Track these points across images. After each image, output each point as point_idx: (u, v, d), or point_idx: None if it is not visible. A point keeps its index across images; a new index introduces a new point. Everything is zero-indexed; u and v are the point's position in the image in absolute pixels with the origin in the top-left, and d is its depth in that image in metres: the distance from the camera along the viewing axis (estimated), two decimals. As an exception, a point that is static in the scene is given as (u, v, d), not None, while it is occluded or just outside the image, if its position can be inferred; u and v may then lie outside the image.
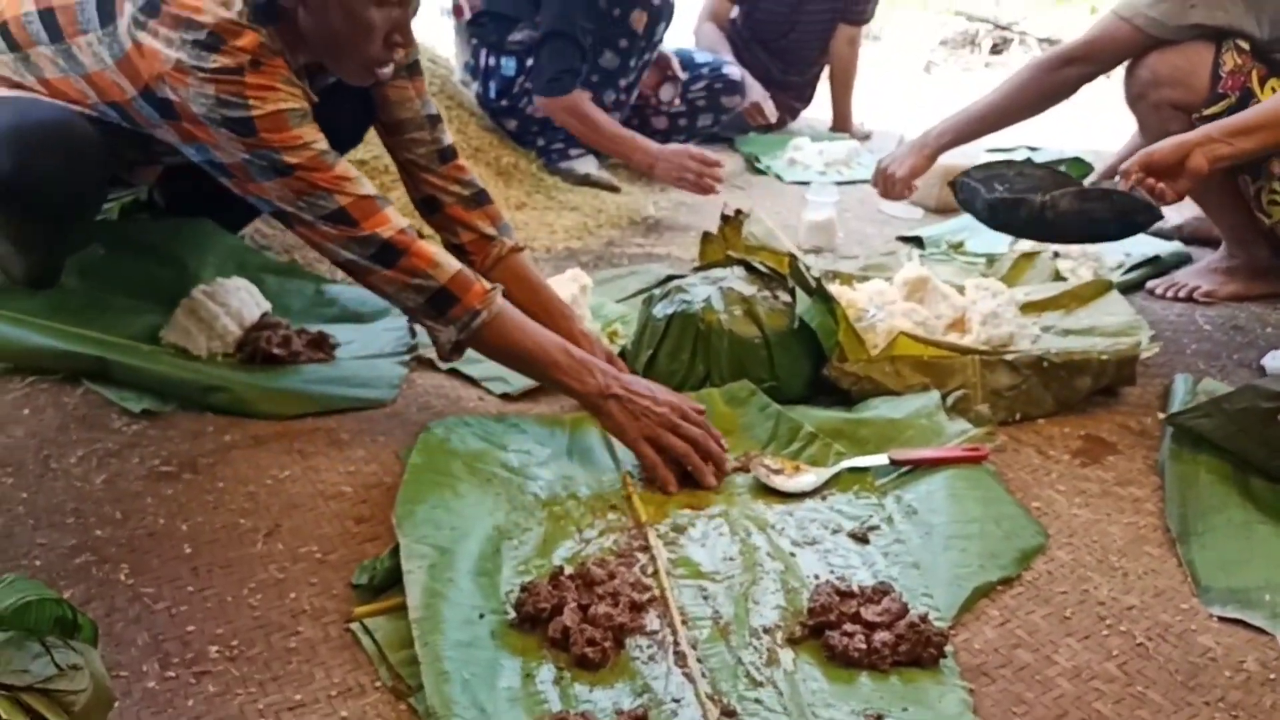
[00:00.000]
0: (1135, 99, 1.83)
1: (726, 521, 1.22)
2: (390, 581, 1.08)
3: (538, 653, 0.99)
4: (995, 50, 5.31)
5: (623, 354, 1.65)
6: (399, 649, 0.99)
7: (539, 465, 1.32)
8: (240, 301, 1.67)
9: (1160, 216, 1.68)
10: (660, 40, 2.72)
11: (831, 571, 1.13)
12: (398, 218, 1.33)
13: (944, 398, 1.48)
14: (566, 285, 1.77)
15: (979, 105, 2.08)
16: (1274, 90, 1.72)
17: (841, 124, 3.61)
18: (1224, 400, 1.34)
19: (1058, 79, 1.93)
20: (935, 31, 5.48)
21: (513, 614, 1.03)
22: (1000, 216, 1.72)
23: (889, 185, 2.21)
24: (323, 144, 1.31)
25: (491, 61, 2.76)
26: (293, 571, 1.14)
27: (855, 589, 1.06)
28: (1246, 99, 1.71)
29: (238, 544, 1.19)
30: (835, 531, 1.21)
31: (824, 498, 1.28)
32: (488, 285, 1.34)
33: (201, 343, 1.62)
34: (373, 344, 1.72)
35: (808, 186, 2.52)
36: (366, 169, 2.20)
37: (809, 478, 1.29)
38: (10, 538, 1.18)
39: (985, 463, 1.35)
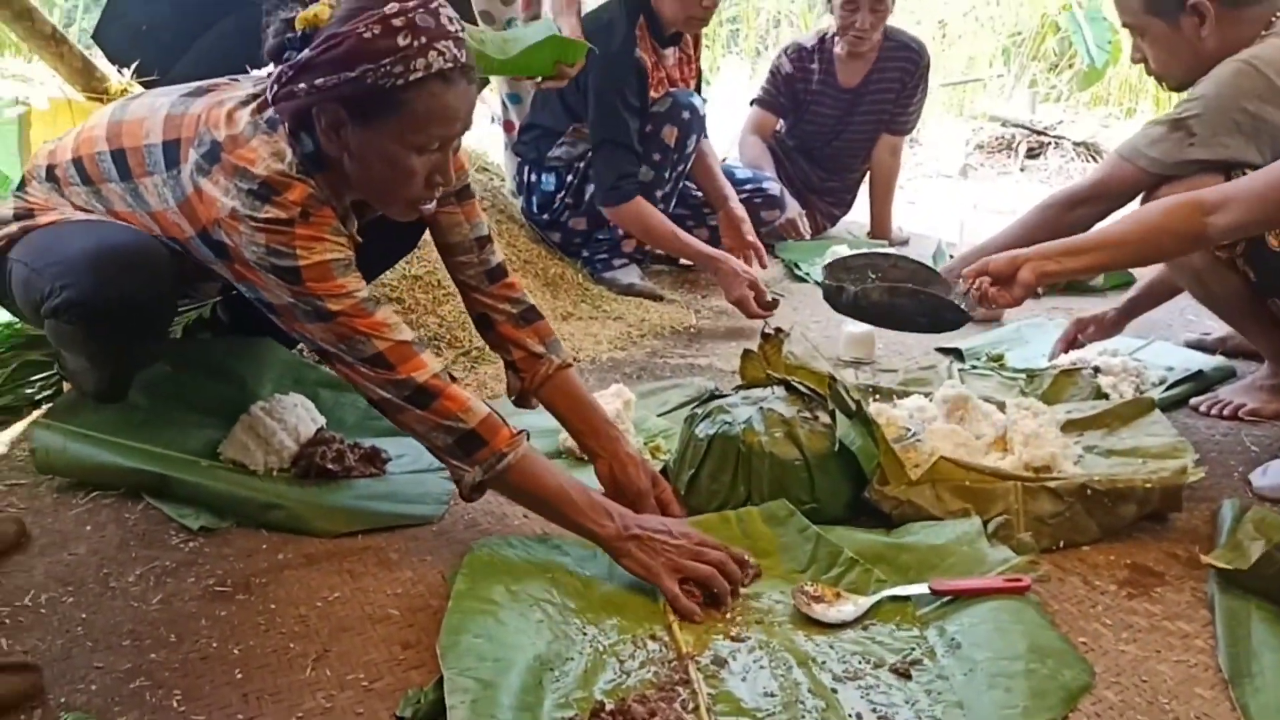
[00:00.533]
0: None
1: (767, 654, 1.21)
2: (435, 713, 1.10)
3: None
4: (1031, 154, 5.38)
5: (664, 471, 1.68)
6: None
7: (582, 588, 1.34)
8: (297, 417, 1.72)
9: (969, 318, 1.84)
10: (693, 153, 2.80)
11: (874, 711, 1.12)
12: (434, 362, 1.38)
13: (985, 524, 1.48)
14: (610, 401, 1.81)
15: (993, 246, 2.14)
16: None
17: (880, 230, 3.66)
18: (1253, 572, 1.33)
19: (1070, 219, 2.00)
20: (971, 136, 5.57)
21: None
22: (830, 298, 1.93)
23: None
24: (364, 292, 1.37)
25: (533, 178, 2.87)
26: (340, 700, 1.16)
27: None
28: None
29: (287, 669, 1.21)
30: (877, 666, 1.20)
31: (865, 628, 1.28)
32: (514, 430, 1.38)
33: (259, 458, 1.67)
34: (422, 459, 1.75)
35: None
36: (421, 283, 2.28)
37: (849, 607, 1.29)
38: (69, 660, 1.21)
39: (1029, 593, 1.35)
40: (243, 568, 1.42)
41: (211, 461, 1.66)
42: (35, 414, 1.84)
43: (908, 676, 1.18)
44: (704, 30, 2.97)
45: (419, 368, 1.36)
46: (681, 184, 2.85)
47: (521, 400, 1.66)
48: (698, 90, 2.93)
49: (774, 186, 3.12)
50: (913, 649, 1.23)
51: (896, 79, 3.50)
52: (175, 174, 1.47)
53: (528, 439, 1.39)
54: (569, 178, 2.80)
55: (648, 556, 1.32)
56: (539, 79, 2.59)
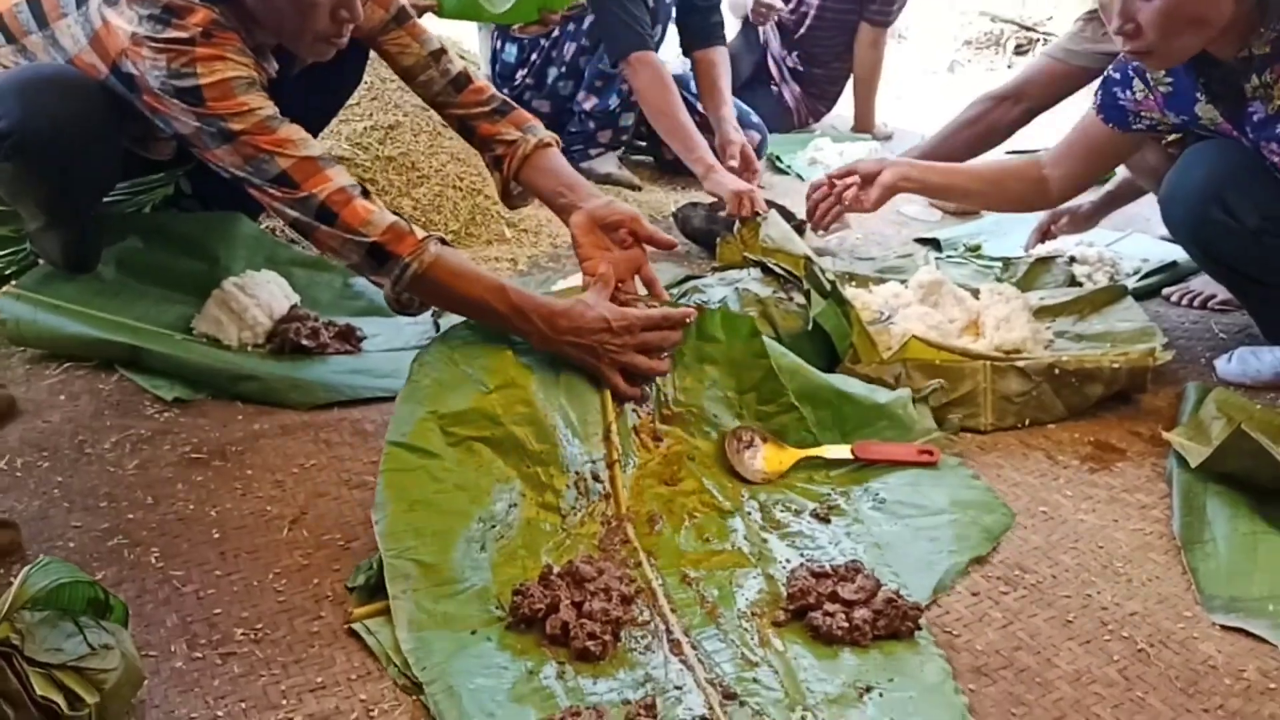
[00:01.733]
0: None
1: (700, 505, 1.25)
2: (383, 581, 1.07)
3: (537, 651, 1.01)
4: (1020, 50, 5.28)
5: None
6: (400, 649, 1.00)
7: (523, 406, 1.26)
8: (270, 294, 1.71)
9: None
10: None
11: (800, 553, 1.18)
12: (340, 177, 1.33)
13: (917, 392, 1.51)
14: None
15: (940, 148, 2.21)
16: None
17: (864, 124, 3.62)
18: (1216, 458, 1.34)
19: (992, 117, 2.07)
20: (960, 31, 5.46)
21: (507, 617, 1.05)
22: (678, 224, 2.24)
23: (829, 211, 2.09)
24: (267, 110, 1.33)
25: (498, 44, 2.80)
26: (317, 558, 1.18)
27: (829, 569, 1.11)
28: None
29: (264, 530, 1.23)
30: (798, 513, 1.26)
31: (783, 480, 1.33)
32: (420, 236, 1.33)
33: (232, 333, 1.66)
34: (397, 337, 1.76)
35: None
36: (394, 164, 2.25)
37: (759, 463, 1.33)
38: (46, 520, 1.23)
39: (955, 458, 1.42)
40: (218, 436, 1.43)
41: (185, 335, 1.65)
42: (4, 289, 1.81)
43: (827, 521, 1.25)
44: None
45: (322, 183, 1.32)
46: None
47: (506, 196, 1.62)
48: None
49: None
50: (829, 494, 1.30)
51: None
52: (84, 10, 1.45)
53: (441, 243, 1.33)
54: (532, 55, 2.73)
55: (579, 353, 1.30)
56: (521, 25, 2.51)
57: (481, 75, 2.90)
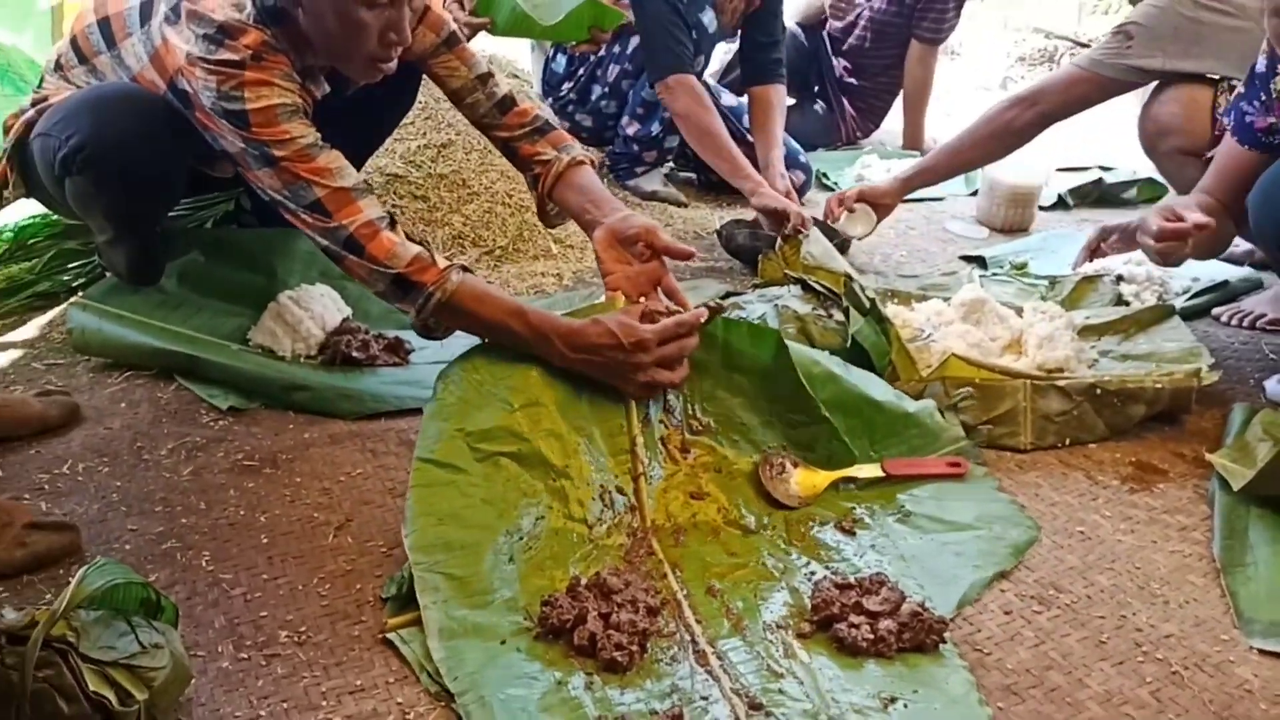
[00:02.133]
0: (1149, 150, 1.88)
1: (726, 519, 1.27)
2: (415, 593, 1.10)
3: (565, 662, 1.03)
4: (1075, 67, 5.23)
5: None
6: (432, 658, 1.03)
7: (548, 423, 1.28)
8: (323, 307, 1.77)
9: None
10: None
11: (826, 567, 1.19)
12: (370, 209, 1.38)
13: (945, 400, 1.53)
14: (629, 299, 1.83)
15: (954, 147, 2.19)
16: None
17: (913, 142, 3.60)
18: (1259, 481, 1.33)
19: (1006, 118, 2.03)
20: (1013, 48, 5.41)
21: (535, 628, 1.07)
22: (721, 242, 2.33)
23: (844, 207, 2.27)
24: (309, 138, 1.39)
25: (550, 53, 2.85)
26: (360, 564, 1.22)
27: (853, 581, 1.12)
28: None
29: (311, 536, 1.27)
30: (823, 525, 1.28)
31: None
32: (443, 266, 1.36)
33: (286, 344, 1.72)
34: (445, 350, 1.79)
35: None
36: (446, 181, 2.30)
37: (794, 487, 1.33)
38: (105, 523, 1.28)
39: (982, 468, 1.44)
40: (270, 445, 1.48)
41: (241, 346, 1.71)
42: (72, 300, 1.90)
43: (852, 534, 1.26)
44: None
45: (353, 214, 1.36)
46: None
47: (544, 215, 1.66)
48: (759, 22, 2.66)
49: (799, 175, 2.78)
50: (853, 508, 1.32)
51: None
52: (147, 30, 1.52)
53: (463, 270, 1.37)
54: (579, 70, 2.77)
55: (606, 374, 1.33)
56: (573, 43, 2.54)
57: (533, 93, 2.99)
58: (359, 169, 1.85)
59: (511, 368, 1.32)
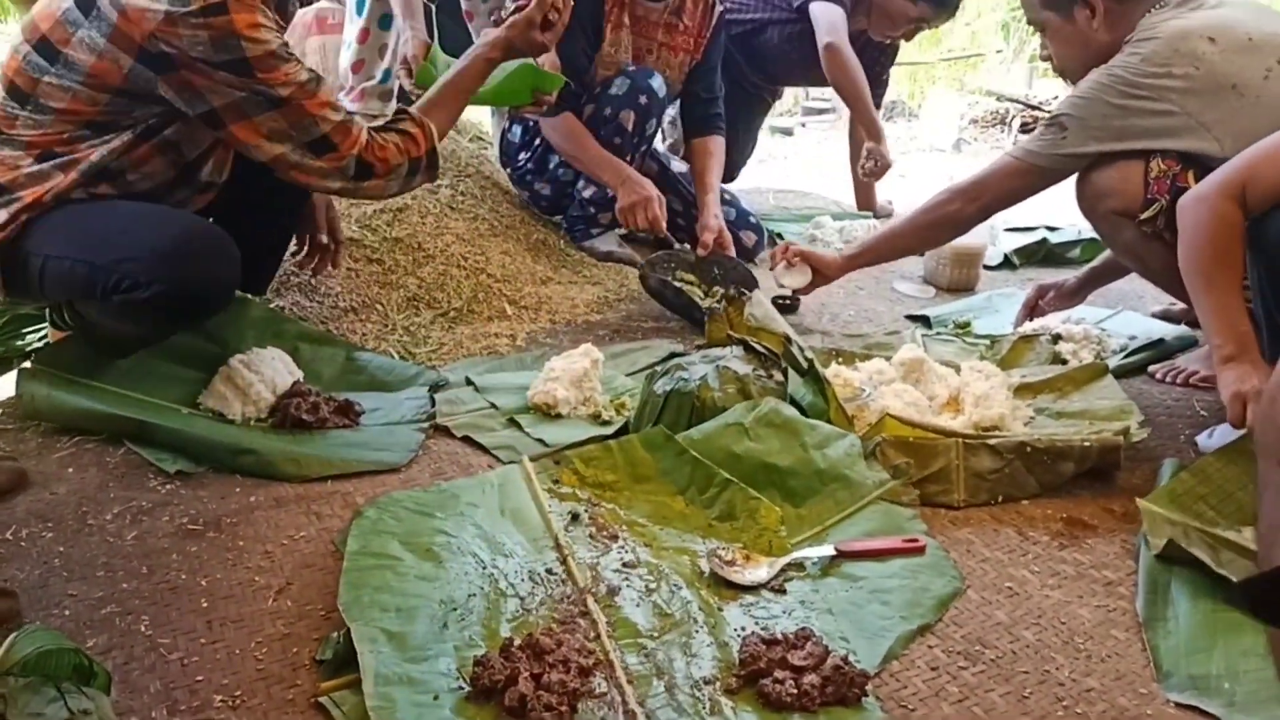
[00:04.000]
0: (1087, 211, 1.96)
1: (656, 577, 1.30)
2: (352, 655, 1.12)
3: None
4: (1025, 129, 5.39)
5: (627, 426, 1.74)
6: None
7: (474, 528, 1.38)
8: (274, 370, 1.79)
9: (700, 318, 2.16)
10: (653, 134, 2.79)
11: (756, 623, 1.22)
12: (363, 130, 1.59)
13: (863, 442, 1.58)
14: (578, 360, 1.87)
15: (894, 230, 2.25)
16: None
17: (865, 203, 3.70)
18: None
19: (948, 211, 2.09)
20: (966, 111, 5.58)
21: (467, 687, 1.09)
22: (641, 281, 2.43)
23: (785, 258, 2.35)
24: (306, 74, 1.52)
25: (506, 124, 2.92)
26: (297, 628, 1.23)
27: (779, 636, 1.15)
28: (1179, 198, 1.77)
29: (250, 600, 1.28)
30: (756, 587, 1.30)
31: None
32: (419, 120, 1.72)
33: (236, 408, 1.74)
34: (395, 411, 1.83)
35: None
36: (401, 245, 2.34)
37: (762, 571, 1.32)
38: (45, 588, 1.29)
39: (910, 511, 1.50)
40: (215, 508, 1.49)
41: (191, 410, 1.73)
42: (22, 365, 1.91)
43: (783, 591, 1.29)
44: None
45: (356, 142, 1.58)
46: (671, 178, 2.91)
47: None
48: (690, 75, 2.85)
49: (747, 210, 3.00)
50: (784, 568, 1.34)
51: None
52: (95, 13, 1.50)
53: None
54: (535, 140, 2.84)
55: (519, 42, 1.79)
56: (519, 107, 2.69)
57: (493, 157, 3.05)
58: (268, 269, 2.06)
59: (423, 514, 1.42)
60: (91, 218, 1.60)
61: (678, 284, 2.37)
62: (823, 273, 2.31)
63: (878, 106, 3.54)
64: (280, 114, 1.45)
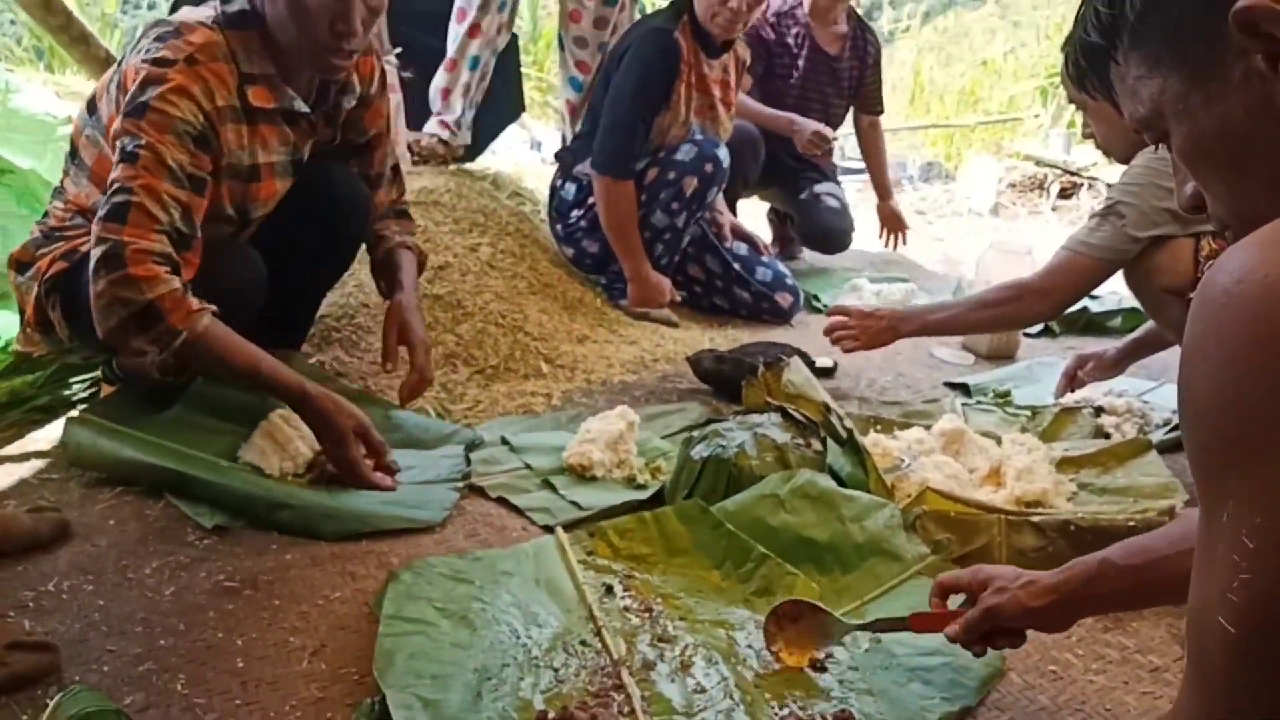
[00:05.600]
0: (1135, 287, 1.96)
1: (693, 653, 1.28)
2: None
3: None
4: (1064, 194, 5.38)
5: (662, 491, 1.74)
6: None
7: (509, 596, 1.38)
8: (312, 426, 1.81)
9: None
10: (711, 203, 2.88)
11: (795, 700, 1.19)
12: (163, 249, 1.45)
13: (904, 513, 1.55)
14: (614, 423, 1.87)
15: (952, 312, 2.23)
16: None
17: (883, 192, 3.82)
18: None
19: (1015, 308, 2.08)
20: (1004, 175, 5.59)
21: None
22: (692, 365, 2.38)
23: (843, 336, 2.30)
24: (179, 163, 1.45)
25: (559, 182, 2.97)
26: (331, 692, 1.22)
27: (817, 718, 1.11)
28: None
29: (285, 661, 1.28)
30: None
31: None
32: (196, 307, 1.47)
33: (275, 463, 1.75)
34: (430, 470, 1.83)
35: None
36: (441, 302, 2.36)
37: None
38: (85, 643, 1.29)
39: None
40: (251, 565, 1.50)
41: (230, 463, 1.74)
42: (69, 414, 1.94)
43: (823, 669, 1.26)
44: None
45: (141, 238, 1.42)
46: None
47: (381, 287, 2.00)
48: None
49: (786, 298, 3.07)
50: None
51: (865, 54, 3.69)
52: (118, 66, 1.57)
53: (210, 316, 1.48)
54: (589, 199, 2.88)
55: (333, 414, 1.57)
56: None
57: (531, 213, 3.10)
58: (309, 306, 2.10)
59: (458, 579, 1.42)
60: None
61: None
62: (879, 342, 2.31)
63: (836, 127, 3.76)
64: (125, 166, 1.42)
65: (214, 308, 1.49)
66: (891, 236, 3.81)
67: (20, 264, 1.73)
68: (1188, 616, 0.65)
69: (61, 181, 1.74)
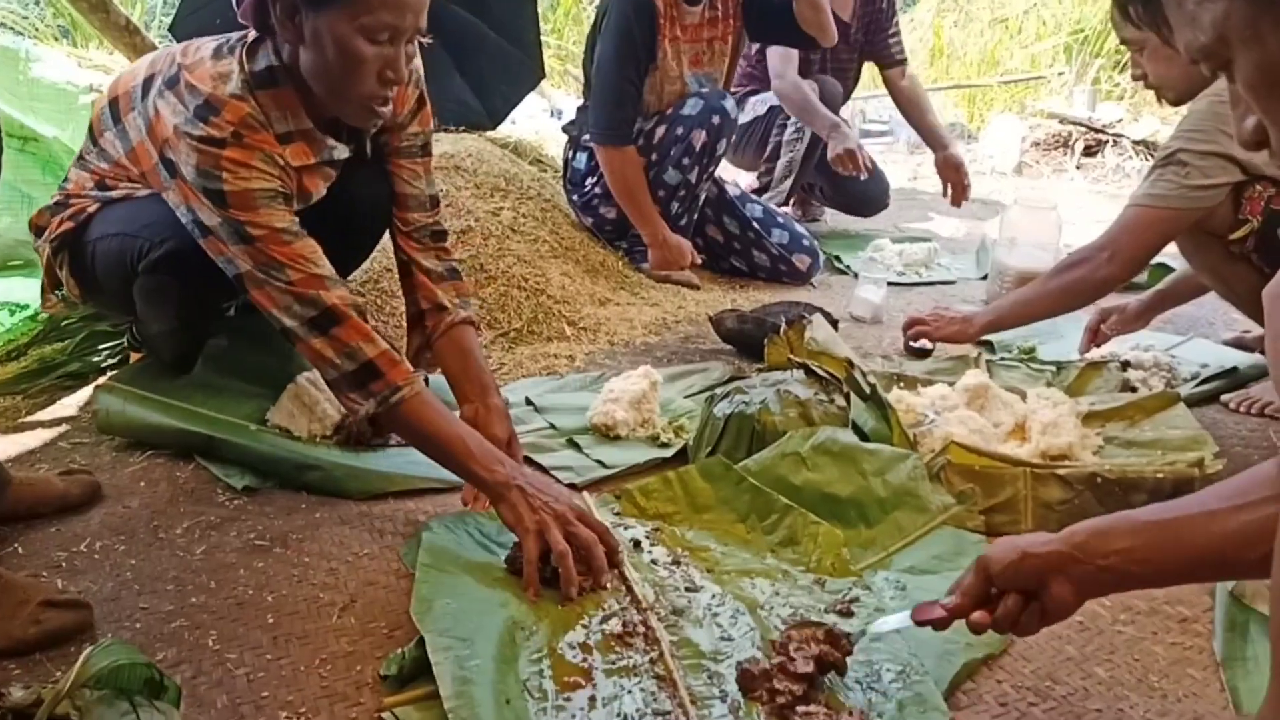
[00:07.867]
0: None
1: (720, 602, 1.28)
2: (417, 672, 1.15)
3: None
4: (1089, 152, 5.30)
5: (686, 449, 1.74)
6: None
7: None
8: (337, 388, 1.82)
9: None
10: (722, 155, 2.85)
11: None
12: (346, 295, 1.44)
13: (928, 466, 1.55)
14: (637, 382, 1.87)
15: (1019, 297, 2.19)
16: None
17: (939, 143, 3.50)
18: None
19: (1086, 275, 1.98)
20: (1028, 134, 5.51)
21: (537, 697, 1.10)
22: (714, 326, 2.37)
23: (920, 331, 2.30)
24: (284, 223, 1.44)
25: (570, 153, 2.96)
26: (361, 645, 1.24)
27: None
28: (1272, 221, 1.71)
29: (315, 617, 1.30)
30: (825, 611, 1.27)
31: (812, 577, 1.35)
32: (411, 369, 1.43)
33: (303, 424, 1.77)
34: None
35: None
36: (464, 265, 2.37)
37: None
38: (117, 601, 1.32)
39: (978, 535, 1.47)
40: (281, 524, 1.52)
41: (259, 426, 1.76)
42: (100, 380, 1.96)
43: (850, 614, 1.26)
44: None
45: (328, 293, 1.42)
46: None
47: (418, 355, 1.72)
48: (736, 49, 2.94)
49: (804, 259, 3.03)
50: (850, 588, 1.32)
51: (881, 8, 3.53)
52: (145, 102, 1.57)
53: (425, 383, 1.42)
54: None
55: (525, 510, 1.33)
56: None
57: (554, 180, 3.09)
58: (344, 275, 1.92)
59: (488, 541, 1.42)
60: (138, 203, 1.67)
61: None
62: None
63: (847, 99, 3.71)
64: (249, 251, 1.41)
65: (424, 374, 1.48)
66: (954, 191, 3.40)
67: (39, 228, 1.76)
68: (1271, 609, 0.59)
69: (81, 153, 1.75)
